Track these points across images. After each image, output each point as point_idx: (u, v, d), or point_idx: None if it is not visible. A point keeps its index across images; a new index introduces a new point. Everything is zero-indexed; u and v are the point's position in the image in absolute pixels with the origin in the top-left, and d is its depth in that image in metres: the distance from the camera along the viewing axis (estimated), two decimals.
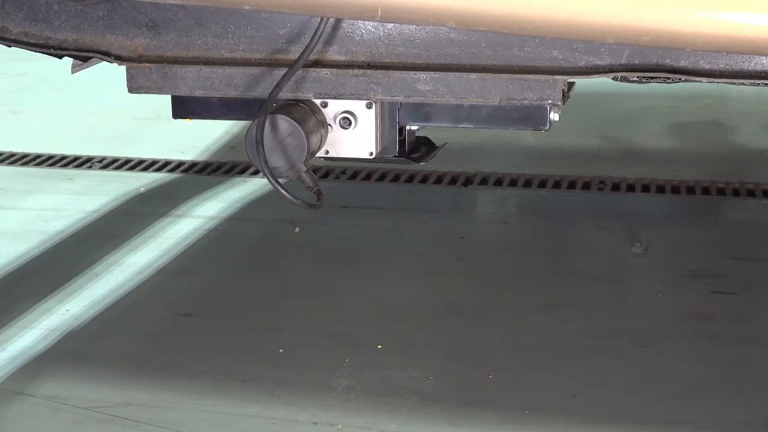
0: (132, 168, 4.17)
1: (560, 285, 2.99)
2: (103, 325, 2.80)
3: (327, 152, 1.83)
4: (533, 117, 1.67)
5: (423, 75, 1.63)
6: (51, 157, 4.27)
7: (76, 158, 4.27)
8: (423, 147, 1.88)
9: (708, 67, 1.55)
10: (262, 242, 3.40)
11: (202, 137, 4.53)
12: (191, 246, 3.32)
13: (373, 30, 1.65)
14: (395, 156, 1.77)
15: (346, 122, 1.78)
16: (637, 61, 1.56)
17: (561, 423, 2.30)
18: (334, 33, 1.65)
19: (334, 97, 1.70)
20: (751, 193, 3.72)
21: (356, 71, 1.65)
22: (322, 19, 1.57)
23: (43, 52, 1.80)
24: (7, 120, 4.97)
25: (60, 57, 1.81)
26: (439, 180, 3.93)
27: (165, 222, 3.54)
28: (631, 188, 3.81)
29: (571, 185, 3.86)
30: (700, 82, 1.55)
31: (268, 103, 1.61)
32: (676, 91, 4.83)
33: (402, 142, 1.78)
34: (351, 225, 3.48)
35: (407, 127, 1.80)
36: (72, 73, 1.84)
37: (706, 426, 2.27)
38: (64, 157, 4.27)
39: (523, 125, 1.70)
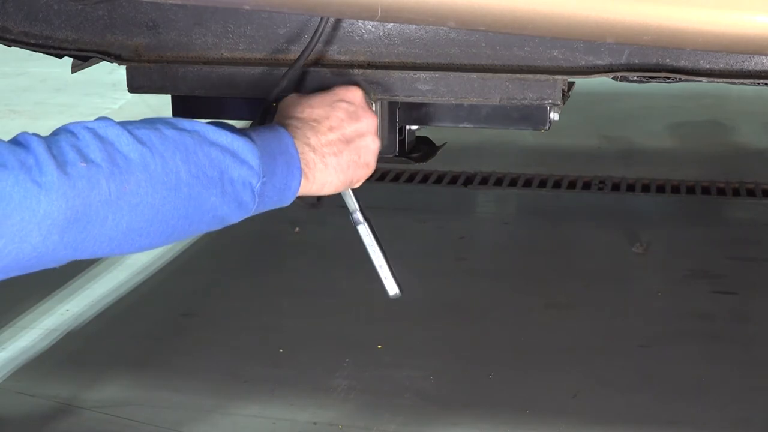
0: None
1: (560, 285, 2.99)
2: (103, 325, 2.80)
3: None
4: (533, 117, 1.67)
5: (423, 75, 1.62)
6: None
7: None
8: (423, 147, 1.88)
9: (708, 67, 1.54)
10: (262, 242, 3.40)
11: None
12: (191, 246, 3.32)
13: (373, 30, 1.65)
14: (395, 155, 1.77)
15: None
16: (637, 61, 1.56)
17: (561, 423, 2.30)
18: (334, 33, 1.65)
19: None
20: (751, 193, 3.72)
21: (356, 71, 1.65)
22: (321, 18, 1.56)
23: (43, 52, 1.80)
24: (7, 120, 4.97)
25: (60, 57, 1.81)
26: (439, 180, 3.93)
27: None
28: (631, 188, 3.81)
29: (571, 185, 3.86)
30: (700, 82, 1.55)
31: (267, 103, 1.60)
32: (676, 91, 4.83)
33: (402, 142, 1.78)
34: (351, 225, 3.47)
35: (407, 127, 1.79)
36: (72, 72, 1.83)
37: (706, 426, 2.27)
38: None
39: (523, 125, 1.69)
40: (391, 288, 1.59)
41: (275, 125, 1.34)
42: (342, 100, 1.39)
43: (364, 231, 1.58)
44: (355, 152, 1.37)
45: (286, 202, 1.31)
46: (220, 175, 1.18)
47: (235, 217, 1.24)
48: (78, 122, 1.11)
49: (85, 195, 1.03)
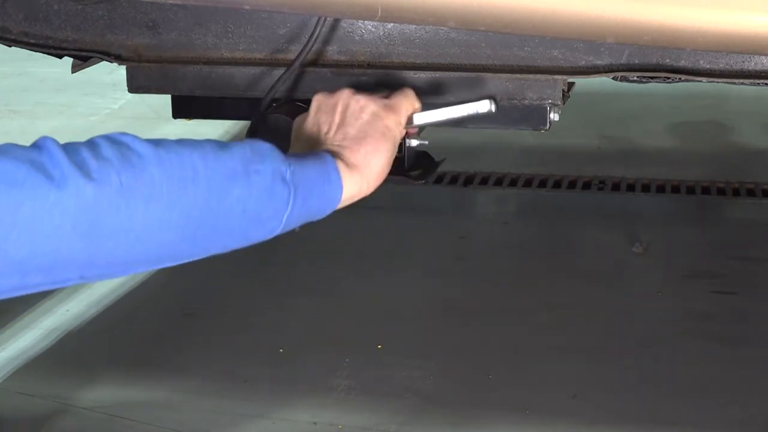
0: None
1: (560, 285, 2.99)
2: (103, 325, 2.80)
3: None
4: (533, 117, 1.67)
5: (423, 75, 1.63)
6: None
7: None
8: (422, 162, 1.86)
9: (708, 67, 1.55)
10: (263, 242, 3.40)
11: (202, 137, 4.52)
12: None
13: (373, 30, 1.65)
14: (394, 170, 1.74)
15: None
16: (637, 61, 1.56)
17: (561, 423, 2.30)
18: (334, 33, 1.65)
19: None
20: (751, 193, 3.72)
21: (356, 71, 1.65)
22: (318, 20, 1.56)
23: (43, 52, 1.80)
24: (7, 120, 4.96)
25: (60, 57, 1.81)
26: (439, 180, 3.92)
27: None
28: (631, 188, 3.81)
29: (571, 185, 3.86)
30: (700, 82, 1.55)
31: (263, 104, 1.60)
32: (676, 91, 4.82)
33: (400, 159, 1.75)
34: (351, 225, 3.47)
35: (406, 144, 1.77)
36: (72, 72, 1.83)
37: (706, 426, 2.28)
38: None
39: (523, 125, 1.69)
40: (482, 107, 1.46)
41: None
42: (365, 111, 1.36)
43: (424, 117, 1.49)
44: (381, 114, 1.35)
45: (335, 196, 1.27)
46: (244, 167, 1.16)
47: (272, 211, 1.20)
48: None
49: (95, 185, 1.04)
